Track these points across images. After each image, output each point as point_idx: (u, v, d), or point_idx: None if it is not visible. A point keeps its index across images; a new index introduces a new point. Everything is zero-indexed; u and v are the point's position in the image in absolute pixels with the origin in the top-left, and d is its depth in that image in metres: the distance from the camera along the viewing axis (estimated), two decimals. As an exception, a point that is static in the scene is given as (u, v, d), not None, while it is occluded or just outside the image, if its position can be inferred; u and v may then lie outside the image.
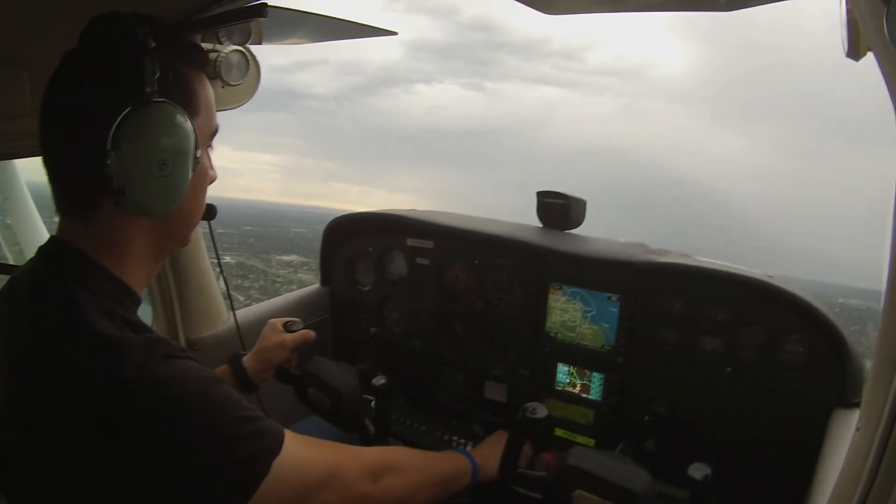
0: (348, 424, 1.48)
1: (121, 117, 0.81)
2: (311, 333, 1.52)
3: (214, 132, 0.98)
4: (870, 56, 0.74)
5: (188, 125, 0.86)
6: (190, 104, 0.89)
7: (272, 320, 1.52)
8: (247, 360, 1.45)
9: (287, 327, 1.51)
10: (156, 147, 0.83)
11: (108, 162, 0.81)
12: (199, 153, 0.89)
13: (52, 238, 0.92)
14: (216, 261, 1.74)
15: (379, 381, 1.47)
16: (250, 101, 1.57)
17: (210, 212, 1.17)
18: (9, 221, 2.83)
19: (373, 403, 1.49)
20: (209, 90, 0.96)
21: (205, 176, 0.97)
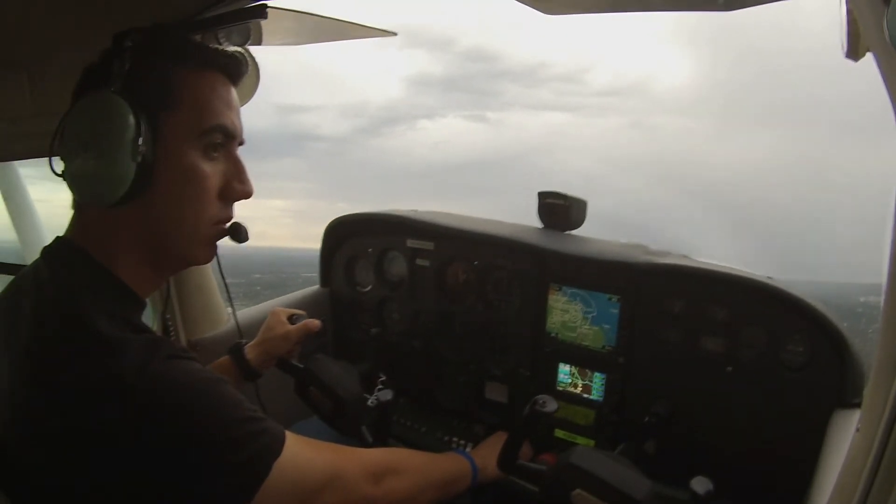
0: (347, 429, 1.47)
1: (71, 108, 0.86)
2: (316, 322, 1.50)
3: (207, 131, 0.91)
4: (870, 57, 0.74)
5: (122, 111, 0.84)
6: (163, 97, 0.88)
7: (276, 309, 1.51)
8: (249, 351, 1.44)
9: (292, 320, 1.50)
10: (78, 131, 0.85)
11: (54, 150, 0.86)
12: (140, 141, 0.84)
13: (56, 238, 0.93)
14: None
15: (385, 396, 1.46)
16: (251, 101, 1.57)
17: (235, 233, 1.01)
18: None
19: (370, 401, 1.48)
20: (207, 87, 0.93)
21: (191, 179, 0.91)
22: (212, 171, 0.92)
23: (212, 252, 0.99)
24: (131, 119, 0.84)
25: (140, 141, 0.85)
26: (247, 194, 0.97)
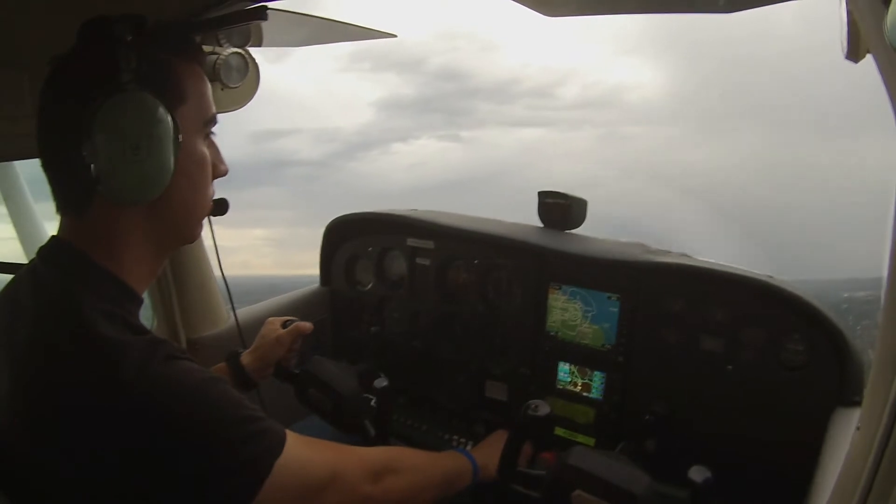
0: (348, 426, 1.47)
1: (94, 107, 0.83)
2: (307, 325, 1.50)
3: (209, 121, 0.97)
4: (870, 58, 0.74)
5: (161, 110, 0.86)
6: (174, 92, 0.90)
7: (270, 318, 1.51)
8: (245, 357, 1.44)
9: (285, 326, 1.50)
10: (127, 132, 0.84)
11: (84, 152, 0.83)
12: (180, 137, 0.88)
13: (52, 238, 0.93)
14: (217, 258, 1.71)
15: (380, 383, 1.46)
16: (250, 102, 1.56)
17: (220, 207, 1.11)
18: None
19: (373, 402, 1.49)
20: (201, 80, 0.96)
21: (202, 166, 0.96)
22: (208, 156, 0.98)
23: (202, 228, 1.06)
24: (169, 116, 0.87)
25: (180, 137, 0.88)
26: (226, 172, 1.03)
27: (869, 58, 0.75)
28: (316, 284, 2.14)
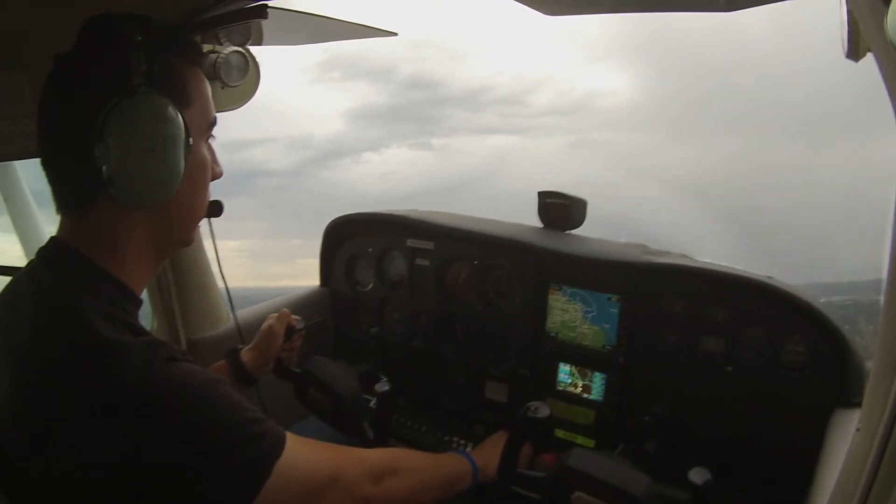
0: (348, 427, 1.47)
1: (107, 109, 0.82)
2: (291, 314, 1.51)
3: (211, 124, 0.98)
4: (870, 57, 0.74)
5: (174, 113, 0.86)
6: (181, 95, 0.90)
7: (271, 314, 1.51)
8: (245, 354, 1.45)
9: (288, 326, 1.50)
10: (143, 135, 0.84)
11: (97, 154, 0.82)
12: (190, 141, 0.89)
13: (51, 239, 0.92)
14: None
15: (382, 387, 1.46)
16: (250, 101, 1.57)
17: (215, 208, 1.13)
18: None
19: (372, 403, 1.48)
20: (203, 83, 0.97)
21: (203, 169, 0.97)
22: (209, 158, 0.99)
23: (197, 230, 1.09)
24: (180, 119, 0.87)
25: (190, 140, 0.89)
26: (221, 174, 1.04)
27: (868, 57, 0.75)
28: (316, 285, 2.14)
